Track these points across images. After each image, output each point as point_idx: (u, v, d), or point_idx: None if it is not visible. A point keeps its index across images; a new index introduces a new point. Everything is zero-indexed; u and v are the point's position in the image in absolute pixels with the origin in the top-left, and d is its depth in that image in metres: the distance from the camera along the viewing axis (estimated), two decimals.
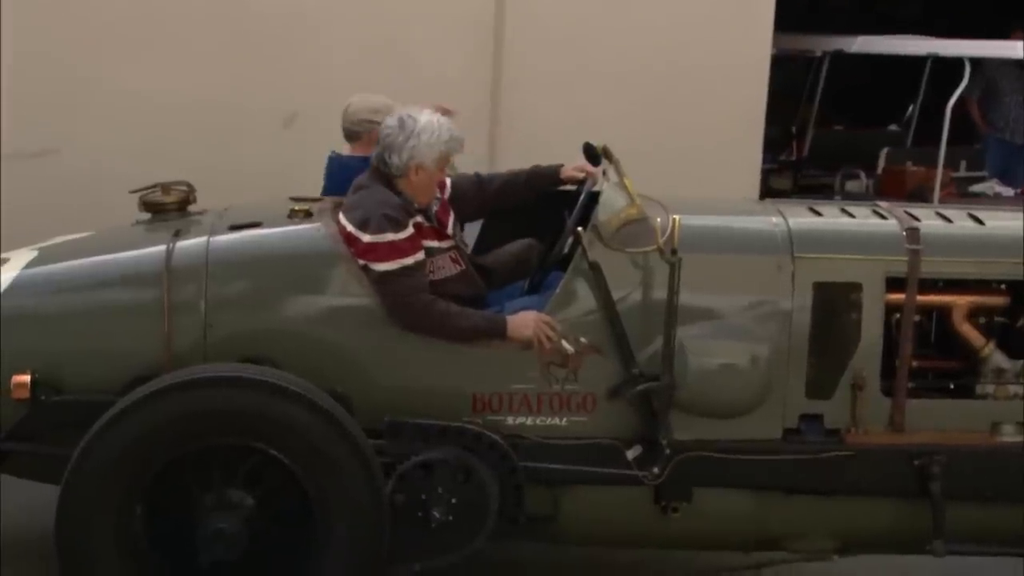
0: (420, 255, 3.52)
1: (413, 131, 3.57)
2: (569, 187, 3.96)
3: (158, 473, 3.30)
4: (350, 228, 3.50)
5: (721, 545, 3.76)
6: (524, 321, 3.47)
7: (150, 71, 5.80)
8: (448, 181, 3.84)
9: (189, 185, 3.93)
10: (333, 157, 4.44)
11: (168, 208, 3.87)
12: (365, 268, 3.47)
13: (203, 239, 3.60)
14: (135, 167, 4.34)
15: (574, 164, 3.93)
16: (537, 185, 3.98)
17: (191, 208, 3.93)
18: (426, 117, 3.60)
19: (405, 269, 3.46)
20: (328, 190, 4.18)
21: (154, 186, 3.90)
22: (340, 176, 4.10)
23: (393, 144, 3.57)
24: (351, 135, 4.39)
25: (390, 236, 3.46)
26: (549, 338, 3.45)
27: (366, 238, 3.47)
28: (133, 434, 3.23)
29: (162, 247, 3.57)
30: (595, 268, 3.48)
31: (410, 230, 3.52)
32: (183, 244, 3.59)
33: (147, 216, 3.91)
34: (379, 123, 3.79)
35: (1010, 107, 9.01)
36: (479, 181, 3.98)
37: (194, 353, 3.43)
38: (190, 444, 3.30)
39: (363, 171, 3.71)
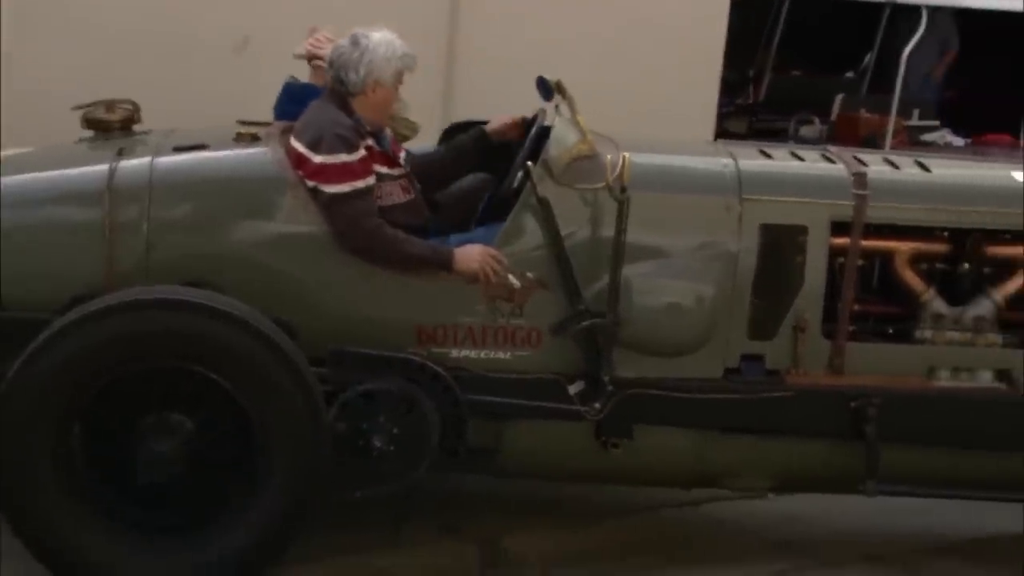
0: (371, 179, 3.48)
1: (367, 47, 3.53)
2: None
3: (97, 393, 3.26)
4: (301, 148, 3.45)
5: (661, 481, 3.79)
6: (471, 254, 3.45)
7: None
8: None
9: (134, 104, 3.83)
10: (288, 84, 4.37)
11: (112, 126, 3.78)
12: (315, 190, 3.43)
13: (147, 159, 3.53)
14: (81, 85, 4.22)
15: (496, 120, 3.89)
16: (463, 151, 3.92)
17: (136, 128, 3.84)
18: (379, 34, 3.56)
19: (356, 192, 3.42)
20: (278, 117, 4.11)
21: (98, 103, 3.80)
22: (291, 106, 4.03)
23: (348, 62, 3.53)
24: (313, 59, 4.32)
25: (343, 157, 3.42)
26: (495, 272, 3.43)
27: (317, 159, 3.42)
28: (70, 354, 3.18)
29: (105, 165, 3.50)
30: (544, 203, 3.46)
31: (362, 152, 3.47)
32: (126, 163, 3.52)
33: (90, 134, 3.83)
34: None
35: None
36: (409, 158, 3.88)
37: (135, 274, 3.37)
38: (129, 366, 3.26)
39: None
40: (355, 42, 3.54)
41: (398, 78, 3.59)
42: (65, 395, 3.21)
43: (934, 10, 8.73)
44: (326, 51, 4.29)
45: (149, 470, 3.28)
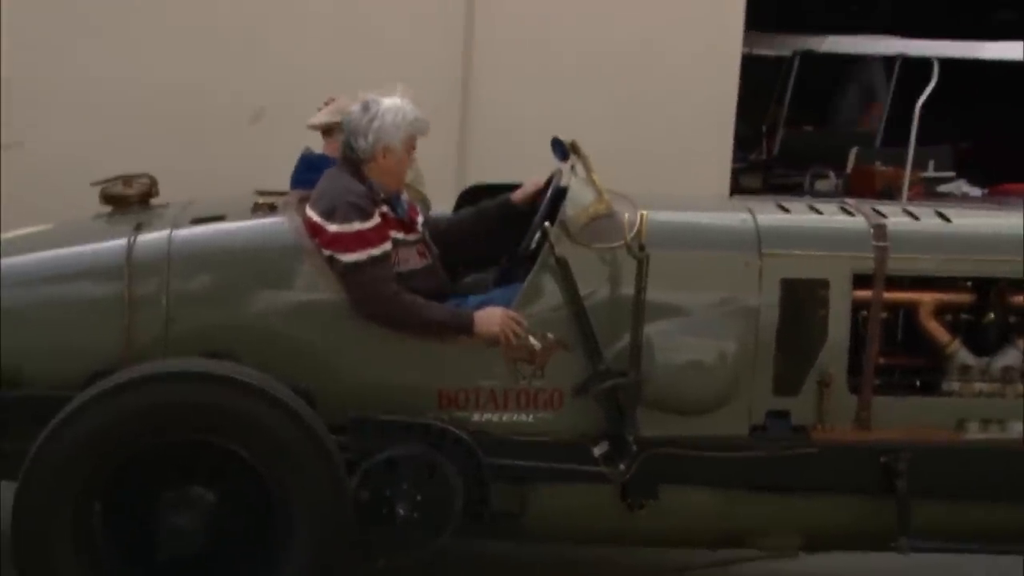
0: (387, 245, 3.48)
1: (377, 113, 3.54)
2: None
3: (118, 469, 3.25)
4: (316, 218, 3.46)
5: (688, 542, 3.73)
6: (491, 317, 3.44)
7: (116, 63, 5.76)
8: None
9: (151, 178, 3.87)
10: (305, 155, 4.42)
11: (130, 201, 3.82)
12: (331, 259, 3.43)
13: (165, 232, 3.55)
14: (99, 161, 4.27)
15: (521, 188, 3.89)
16: (488, 216, 3.90)
17: (153, 201, 3.88)
18: (389, 99, 3.57)
19: (372, 259, 3.42)
20: (295, 187, 4.14)
21: (115, 178, 3.84)
22: (307, 175, 4.07)
23: (358, 128, 3.54)
24: (328, 129, 4.37)
25: (357, 225, 3.42)
26: (516, 334, 3.42)
27: (332, 228, 3.42)
28: (91, 429, 3.18)
29: (123, 240, 3.52)
30: (562, 264, 3.45)
31: (377, 219, 3.48)
32: (145, 237, 3.54)
33: (108, 209, 3.86)
34: None
35: None
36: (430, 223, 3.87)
37: (155, 348, 3.38)
38: (150, 440, 3.25)
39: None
40: (365, 108, 3.56)
41: (409, 144, 3.59)
42: (86, 472, 3.20)
43: (856, 59, 8.78)
44: (322, 118, 4.34)
45: (171, 544, 3.25)
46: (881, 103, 9.51)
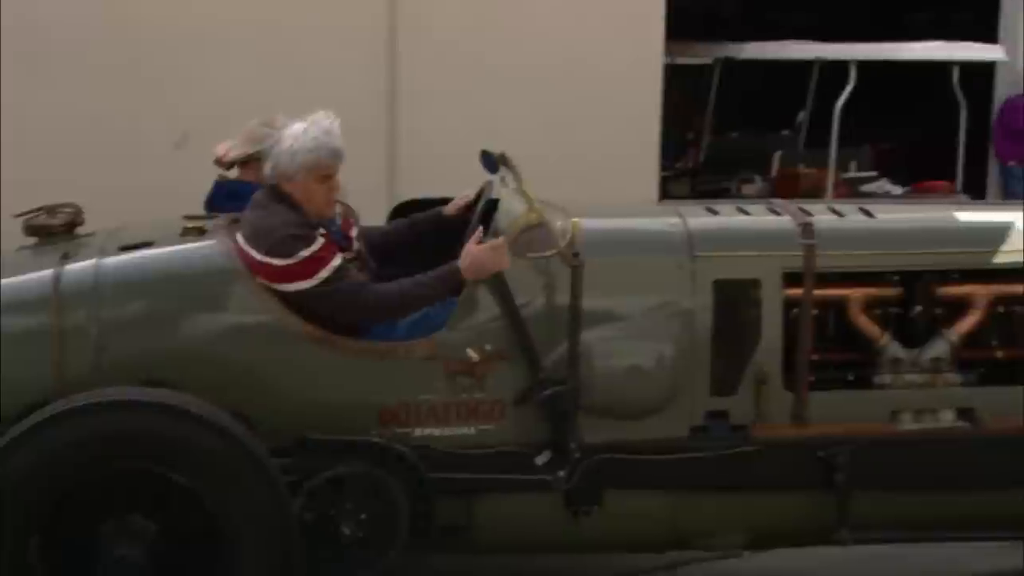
0: (337, 257, 3.44)
1: (278, 139, 3.49)
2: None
3: (56, 502, 3.19)
4: (258, 256, 3.40)
5: (634, 546, 3.76)
6: (478, 262, 3.40)
7: (33, 92, 5.66)
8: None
9: (76, 207, 3.81)
10: (220, 182, 4.37)
11: (55, 231, 3.75)
12: (295, 292, 3.37)
13: (92, 261, 3.50)
14: (22, 192, 4.20)
15: (453, 201, 3.90)
16: (421, 230, 3.92)
17: (79, 230, 3.82)
18: (296, 125, 3.49)
19: (332, 276, 3.39)
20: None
21: (39, 209, 3.78)
22: (228, 202, 4.04)
23: (266, 153, 3.52)
24: (243, 162, 4.32)
25: (303, 253, 3.38)
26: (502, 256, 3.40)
27: (279, 263, 3.37)
28: (26, 463, 3.12)
29: (50, 271, 3.47)
30: (497, 275, 3.46)
31: (320, 240, 3.44)
32: (71, 267, 3.49)
33: (33, 241, 3.79)
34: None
35: None
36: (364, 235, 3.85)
37: (90, 378, 3.32)
38: (86, 471, 3.20)
39: (249, 197, 3.61)
40: (271, 134, 3.52)
41: (311, 173, 3.46)
42: (23, 506, 3.14)
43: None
44: (235, 154, 4.29)
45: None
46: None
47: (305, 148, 3.46)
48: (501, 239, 3.46)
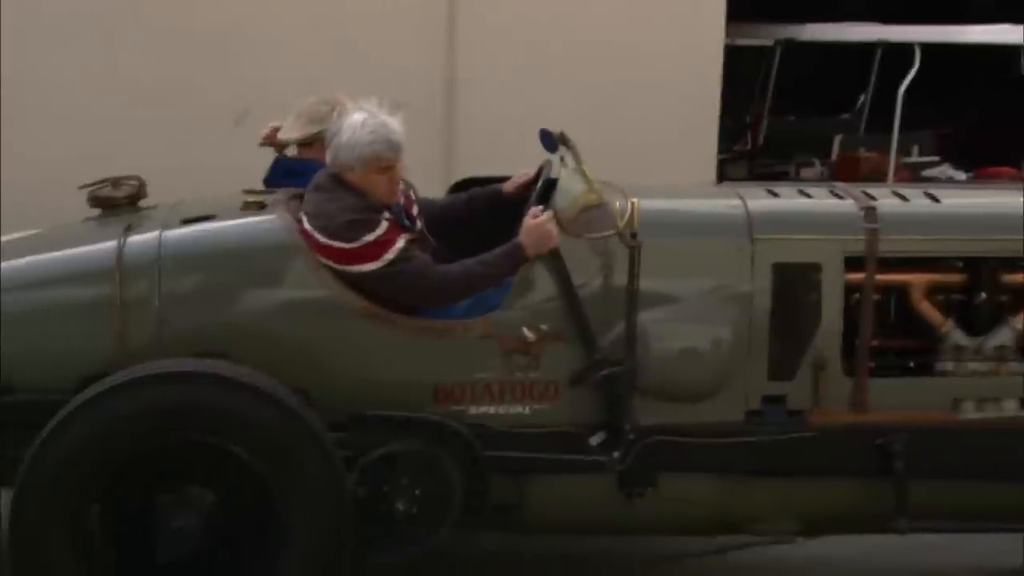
0: (402, 240, 3.44)
1: (338, 130, 3.49)
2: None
3: (115, 472, 3.23)
4: (322, 239, 3.40)
5: (686, 530, 3.74)
6: (540, 237, 3.40)
7: (98, 67, 5.74)
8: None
9: (139, 179, 3.85)
10: (281, 159, 4.37)
11: (118, 203, 3.80)
12: (360, 275, 3.38)
13: (155, 233, 3.53)
14: (86, 165, 4.25)
15: (512, 179, 3.89)
16: (478, 206, 3.91)
17: (142, 203, 3.86)
18: (355, 116, 3.47)
19: (397, 257, 3.40)
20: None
21: (103, 181, 3.82)
22: (285, 179, 4.05)
23: (328, 139, 3.52)
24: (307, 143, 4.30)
25: (367, 238, 3.38)
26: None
27: (345, 246, 3.38)
28: (87, 433, 3.16)
29: (113, 242, 3.50)
30: (555, 255, 3.45)
31: (384, 223, 3.43)
32: (134, 239, 3.52)
33: (97, 212, 3.84)
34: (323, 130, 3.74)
35: None
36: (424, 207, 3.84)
37: (149, 350, 3.35)
38: (145, 442, 3.23)
39: (308, 175, 3.62)
40: (337, 118, 3.52)
41: (370, 166, 3.45)
42: (83, 476, 3.19)
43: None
44: (295, 134, 4.27)
45: (170, 546, 3.24)
46: None
47: (363, 141, 3.45)
48: (549, 212, 3.43)
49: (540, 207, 3.51)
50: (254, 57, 5.98)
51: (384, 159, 3.47)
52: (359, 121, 3.46)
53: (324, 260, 3.41)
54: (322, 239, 3.41)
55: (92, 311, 3.42)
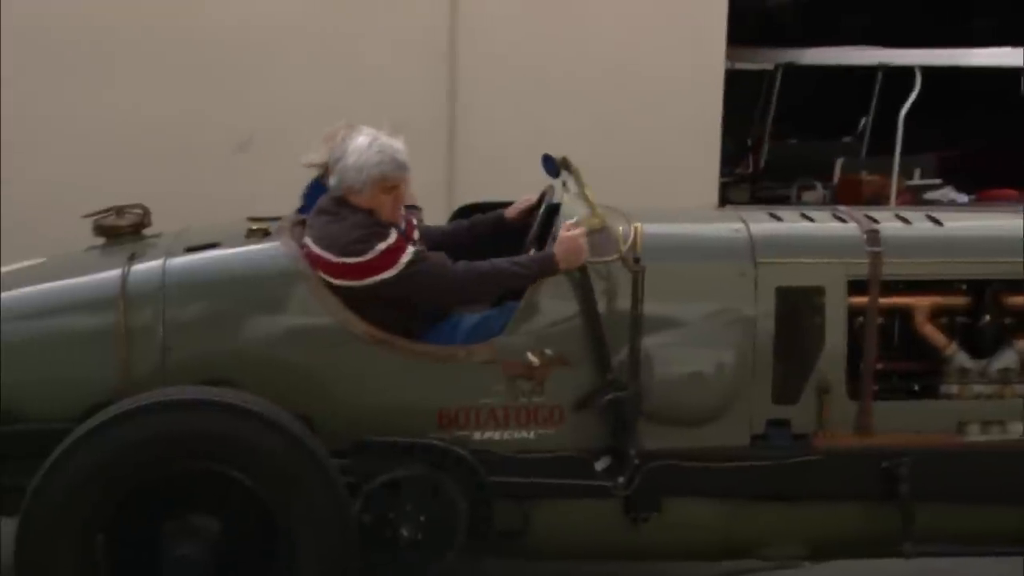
0: (415, 246, 3.48)
1: (344, 153, 3.52)
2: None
3: (120, 500, 3.23)
4: (335, 259, 3.41)
5: (691, 555, 3.72)
6: (573, 246, 3.41)
7: (102, 95, 5.77)
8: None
9: (144, 208, 3.87)
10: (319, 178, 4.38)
11: (123, 231, 3.82)
12: (381, 284, 3.39)
13: (159, 261, 3.54)
14: (89, 194, 4.27)
15: (514, 205, 3.91)
16: (480, 232, 3.93)
17: (146, 231, 3.87)
18: (360, 139, 3.52)
19: (416, 257, 3.43)
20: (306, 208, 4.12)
21: (108, 210, 3.84)
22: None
23: (331, 164, 3.55)
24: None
25: (380, 246, 3.41)
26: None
27: (359, 260, 3.40)
28: (92, 461, 3.17)
29: (117, 271, 3.51)
30: (582, 271, 3.43)
31: (394, 233, 3.47)
32: (139, 267, 3.53)
33: (101, 241, 3.85)
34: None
35: None
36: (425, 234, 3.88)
37: (153, 378, 3.36)
38: (150, 470, 3.23)
39: None
40: (340, 144, 3.55)
41: (377, 187, 3.48)
42: (89, 504, 3.18)
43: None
44: (316, 158, 4.31)
45: (175, 573, 3.23)
46: None
47: (371, 163, 3.49)
48: (583, 228, 3.45)
49: (574, 219, 3.51)
50: (257, 85, 6.01)
51: (391, 179, 3.51)
52: (365, 143, 3.50)
53: (339, 281, 3.42)
54: (334, 259, 3.42)
55: (97, 340, 3.42)
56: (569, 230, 3.46)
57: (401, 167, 3.53)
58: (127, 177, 5.36)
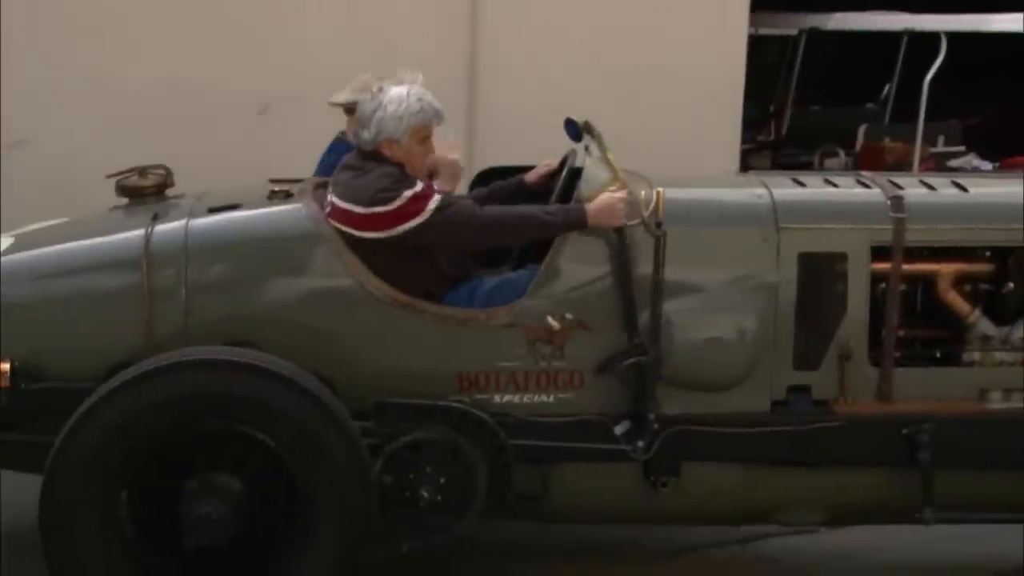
0: (440, 194, 3.48)
1: (380, 103, 3.49)
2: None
3: (143, 458, 3.25)
4: (362, 211, 3.40)
5: (710, 519, 3.74)
6: (610, 211, 3.40)
7: (124, 58, 5.78)
8: None
9: (167, 169, 3.87)
10: (341, 139, 4.38)
11: (146, 192, 3.81)
12: (412, 231, 3.38)
13: (182, 222, 3.54)
14: (111, 155, 4.28)
15: (535, 169, 3.89)
16: (500, 198, 3.90)
17: (169, 192, 3.88)
18: (396, 89, 3.51)
19: (442, 202, 3.42)
20: (323, 170, 4.13)
21: (131, 170, 3.84)
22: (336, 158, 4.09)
23: (363, 118, 3.52)
24: (351, 108, 4.31)
25: (407, 193, 3.40)
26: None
27: (387, 208, 3.39)
28: (115, 420, 3.18)
29: (140, 231, 3.52)
30: (619, 233, 3.41)
31: (421, 183, 3.46)
32: (162, 228, 3.54)
33: (124, 201, 3.86)
34: None
35: None
36: None
37: (175, 338, 3.37)
38: (173, 429, 3.25)
39: None
40: (372, 97, 3.52)
41: (417, 135, 3.50)
42: (112, 462, 3.21)
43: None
44: (343, 97, 4.28)
45: (197, 532, 3.26)
46: None
47: (411, 111, 3.48)
48: (625, 193, 3.44)
49: (616, 187, 3.48)
50: (277, 49, 6.00)
51: (430, 127, 3.53)
52: (404, 93, 3.50)
53: (366, 233, 3.40)
54: (362, 210, 3.41)
55: (120, 299, 3.43)
56: (610, 199, 3.44)
57: (440, 115, 3.55)
58: (151, 139, 5.36)
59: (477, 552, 3.80)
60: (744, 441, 3.48)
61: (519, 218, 3.47)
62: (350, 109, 4.32)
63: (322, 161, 4.28)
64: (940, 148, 8.89)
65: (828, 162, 8.89)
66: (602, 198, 3.44)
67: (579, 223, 3.44)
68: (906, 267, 3.56)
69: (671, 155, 5.67)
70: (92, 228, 3.72)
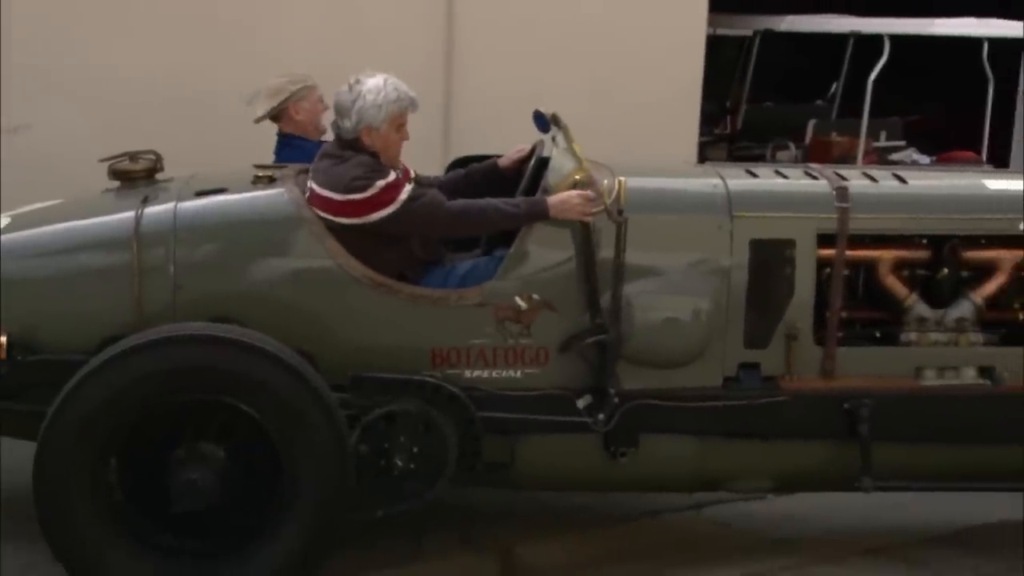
0: (413, 184, 3.48)
1: (359, 93, 3.47)
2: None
3: (132, 427, 3.23)
4: (339, 197, 3.39)
5: (666, 487, 3.75)
6: (567, 204, 3.40)
7: (120, 50, 5.71)
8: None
9: (156, 154, 3.82)
10: (288, 135, 4.39)
11: (136, 176, 3.77)
12: (384, 220, 3.37)
13: (171, 204, 3.51)
14: (105, 141, 4.22)
15: (507, 155, 3.88)
16: (476, 180, 3.89)
17: (158, 176, 3.83)
18: (373, 79, 3.50)
19: (413, 193, 3.41)
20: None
21: (122, 155, 3.80)
22: (283, 153, 4.08)
23: (342, 108, 3.49)
24: (275, 116, 4.40)
25: (380, 183, 3.38)
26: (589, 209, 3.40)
27: (361, 196, 3.37)
28: (105, 391, 3.15)
29: (131, 212, 3.48)
30: (583, 228, 3.40)
31: (394, 172, 3.45)
32: (151, 209, 3.50)
33: (116, 184, 3.81)
34: (288, 96, 4.15)
35: None
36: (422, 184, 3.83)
37: (164, 314, 3.35)
38: (161, 400, 3.22)
39: (313, 151, 3.63)
40: (350, 88, 3.50)
41: (394, 122, 3.49)
42: (102, 430, 3.18)
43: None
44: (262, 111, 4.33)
45: (184, 498, 3.24)
46: None
47: (390, 99, 3.48)
48: (590, 194, 3.43)
49: (581, 176, 3.47)
50: (263, 40, 5.94)
51: (406, 114, 3.53)
52: (380, 83, 3.49)
53: (342, 219, 3.39)
54: (338, 197, 3.39)
55: (112, 277, 3.40)
56: (571, 195, 3.42)
57: (414, 103, 3.55)
58: (142, 126, 5.30)
59: (447, 517, 3.79)
60: (698, 414, 3.49)
61: (485, 210, 3.45)
62: (275, 117, 4.39)
63: (278, 157, 4.26)
64: (882, 143, 8.96)
65: (780, 155, 8.94)
66: (563, 194, 3.43)
67: (541, 215, 3.43)
68: (849, 253, 3.58)
69: (633, 146, 5.67)
70: (85, 209, 3.67)
